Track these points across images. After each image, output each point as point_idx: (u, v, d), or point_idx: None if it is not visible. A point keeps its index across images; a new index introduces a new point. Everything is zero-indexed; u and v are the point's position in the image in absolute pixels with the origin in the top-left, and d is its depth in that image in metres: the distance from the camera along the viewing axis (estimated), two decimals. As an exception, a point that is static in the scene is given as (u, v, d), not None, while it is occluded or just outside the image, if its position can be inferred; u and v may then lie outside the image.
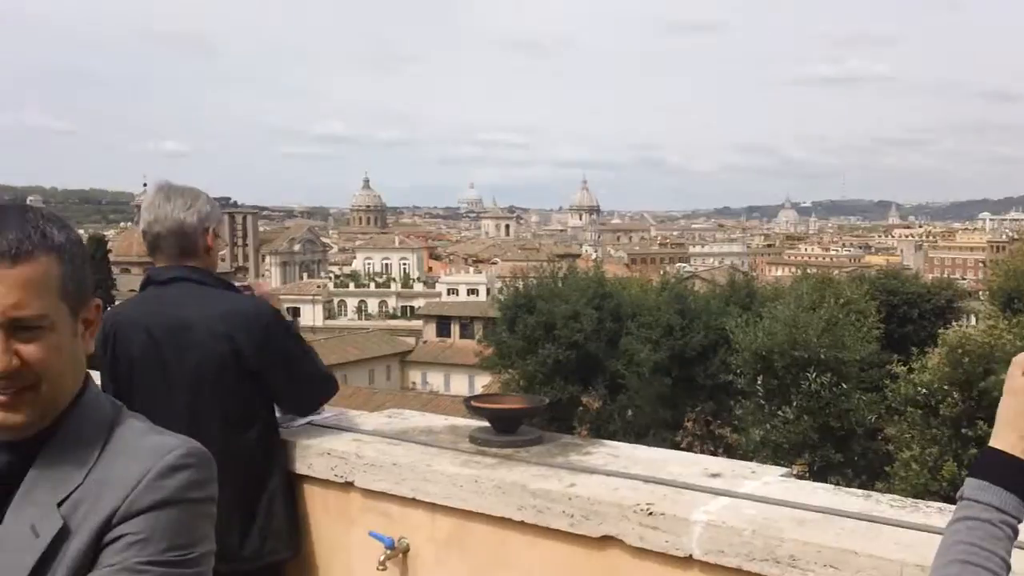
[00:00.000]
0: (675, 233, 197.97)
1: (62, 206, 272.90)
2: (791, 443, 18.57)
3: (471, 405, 2.99)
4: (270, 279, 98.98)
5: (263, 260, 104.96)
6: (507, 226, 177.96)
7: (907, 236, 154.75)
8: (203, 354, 2.72)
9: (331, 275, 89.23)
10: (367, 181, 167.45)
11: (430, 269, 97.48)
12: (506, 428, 2.85)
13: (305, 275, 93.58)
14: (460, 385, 56.37)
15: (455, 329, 64.93)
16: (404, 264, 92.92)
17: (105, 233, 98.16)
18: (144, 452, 1.33)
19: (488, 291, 79.48)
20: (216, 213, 2.93)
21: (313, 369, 2.95)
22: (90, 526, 1.26)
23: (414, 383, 59.92)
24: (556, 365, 24.21)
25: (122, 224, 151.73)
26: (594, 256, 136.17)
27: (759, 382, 19.10)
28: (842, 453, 18.94)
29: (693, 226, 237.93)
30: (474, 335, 63.45)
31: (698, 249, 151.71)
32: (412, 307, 78.22)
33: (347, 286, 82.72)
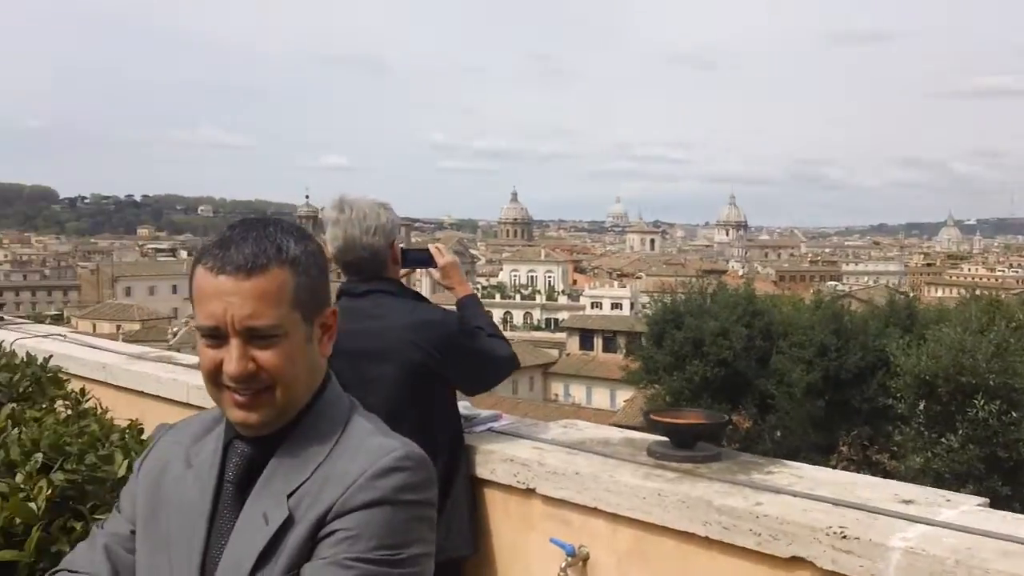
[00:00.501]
0: (827, 250, 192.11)
1: (229, 215, 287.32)
2: (954, 473, 17.70)
3: (650, 419, 3.01)
4: (420, 288, 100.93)
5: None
6: (652, 241, 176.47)
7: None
8: (397, 362, 2.84)
9: (478, 286, 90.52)
10: (515, 194, 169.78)
11: (575, 282, 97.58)
12: (685, 443, 2.86)
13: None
14: (602, 398, 56.17)
15: (598, 342, 64.77)
16: (549, 277, 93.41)
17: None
18: (365, 452, 1.42)
19: (632, 305, 78.98)
20: (397, 224, 3.06)
21: (494, 351, 3.06)
22: (310, 519, 1.36)
23: (556, 395, 60.10)
24: (704, 382, 23.87)
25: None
26: (741, 272, 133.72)
27: (920, 408, 18.28)
28: (1010, 486, 17.98)
29: (846, 243, 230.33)
30: (617, 349, 63.36)
31: (851, 267, 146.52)
32: (556, 319, 78.50)
33: (494, 297, 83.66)
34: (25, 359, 3.28)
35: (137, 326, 61.85)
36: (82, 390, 2.84)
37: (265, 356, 1.38)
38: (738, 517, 2.38)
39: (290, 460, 1.43)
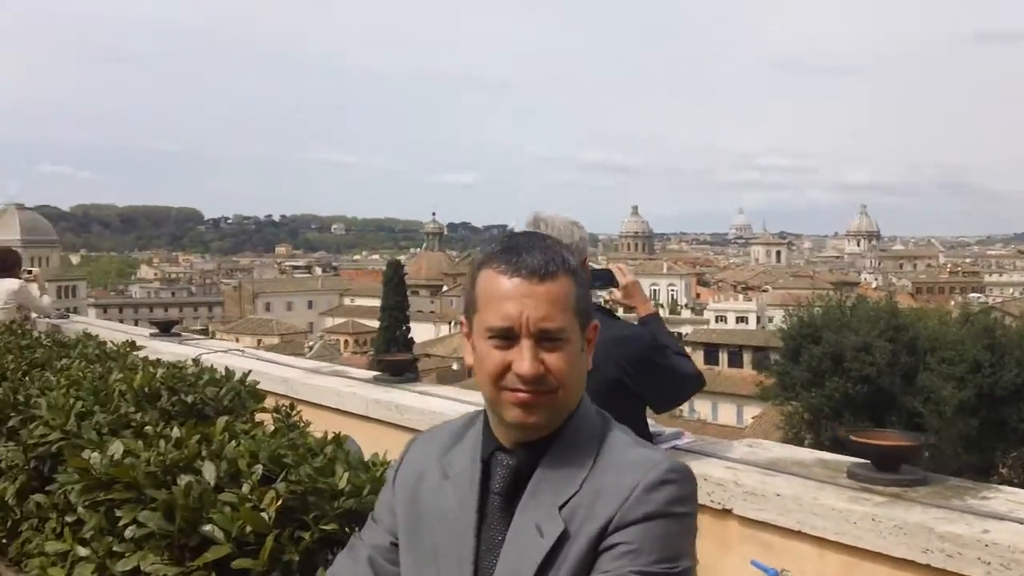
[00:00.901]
0: (967, 260, 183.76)
1: (360, 233, 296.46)
2: None
3: (851, 440, 2.92)
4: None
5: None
6: (778, 252, 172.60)
7: None
8: (595, 378, 2.84)
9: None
10: (635, 208, 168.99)
11: (698, 296, 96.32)
12: (888, 466, 2.77)
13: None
14: (728, 414, 55.11)
15: (723, 357, 63.81)
16: (672, 290, 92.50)
17: (399, 258, 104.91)
18: (632, 465, 1.43)
19: (758, 319, 77.40)
20: (587, 242, 3.07)
21: (682, 369, 3.06)
22: (588, 532, 1.37)
23: (681, 410, 59.24)
24: (844, 399, 22.93)
25: (412, 250, 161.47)
26: (874, 285, 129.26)
27: None
28: None
29: (988, 252, 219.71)
30: (743, 363, 62.16)
31: (995, 278, 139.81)
32: (680, 333, 77.47)
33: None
34: (224, 374, 3.43)
35: (276, 340, 63.97)
36: (291, 404, 2.94)
37: (552, 359, 1.41)
38: (963, 545, 2.30)
39: (556, 471, 1.45)
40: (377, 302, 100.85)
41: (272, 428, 2.82)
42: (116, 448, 2.57)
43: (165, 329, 6.52)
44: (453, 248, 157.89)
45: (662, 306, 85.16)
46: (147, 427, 2.76)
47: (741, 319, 78.86)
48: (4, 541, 3.82)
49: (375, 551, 1.61)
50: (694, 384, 3.11)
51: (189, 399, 3.12)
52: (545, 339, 1.41)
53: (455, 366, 63.50)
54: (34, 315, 7.32)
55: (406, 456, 1.68)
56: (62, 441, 2.91)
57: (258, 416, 3.19)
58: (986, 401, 21.18)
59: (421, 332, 71.76)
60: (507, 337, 1.41)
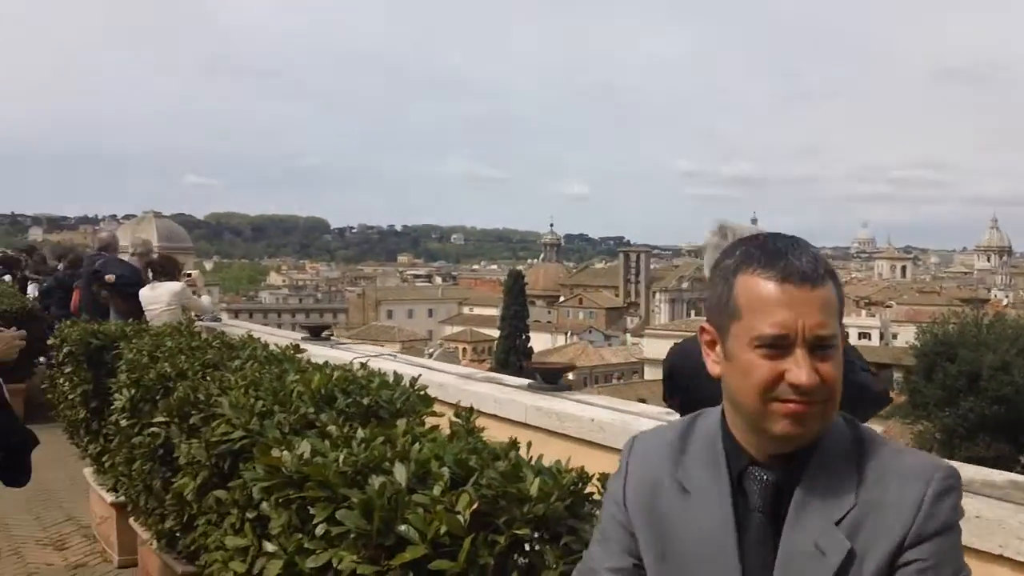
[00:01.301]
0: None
1: (479, 243, 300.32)
2: None
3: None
4: (659, 315, 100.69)
5: (653, 297, 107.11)
6: (903, 267, 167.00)
7: None
8: None
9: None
10: (755, 220, 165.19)
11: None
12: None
13: (693, 312, 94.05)
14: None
15: (846, 374, 62.09)
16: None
17: (517, 267, 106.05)
18: (911, 473, 1.35)
19: (881, 335, 74.98)
20: None
21: (870, 386, 2.91)
22: (882, 549, 1.30)
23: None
24: (980, 420, 21.88)
25: (529, 260, 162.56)
26: (1004, 301, 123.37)
27: None
28: None
29: None
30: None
31: None
32: (801, 350, 75.81)
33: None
34: (392, 378, 3.49)
35: (398, 347, 65.14)
36: (470, 408, 2.95)
37: (824, 367, 1.34)
38: None
39: (821, 484, 1.37)
40: (495, 311, 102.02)
41: (448, 432, 2.85)
42: (304, 447, 2.63)
43: (316, 333, 6.71)
44: (569, 259, 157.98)
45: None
46: (330, 427, 2.82)
47: (864, 335, 76.60)
48: (177, 535, 3.98)
49: (617, 575, 1.53)
50: (879, 403, 3.00)
51: (365, 401, 3.18)
52: (818, 347, 1.33)
53: (571, 376, 63.73)
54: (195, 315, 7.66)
55: (629, 469, 1.57)
56: (245, 439, 3.01)
57: (428, 420, 3.23)
58: None
59: (538, 342, 72.13)
60: (779, 346, 1.33)
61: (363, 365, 3.76)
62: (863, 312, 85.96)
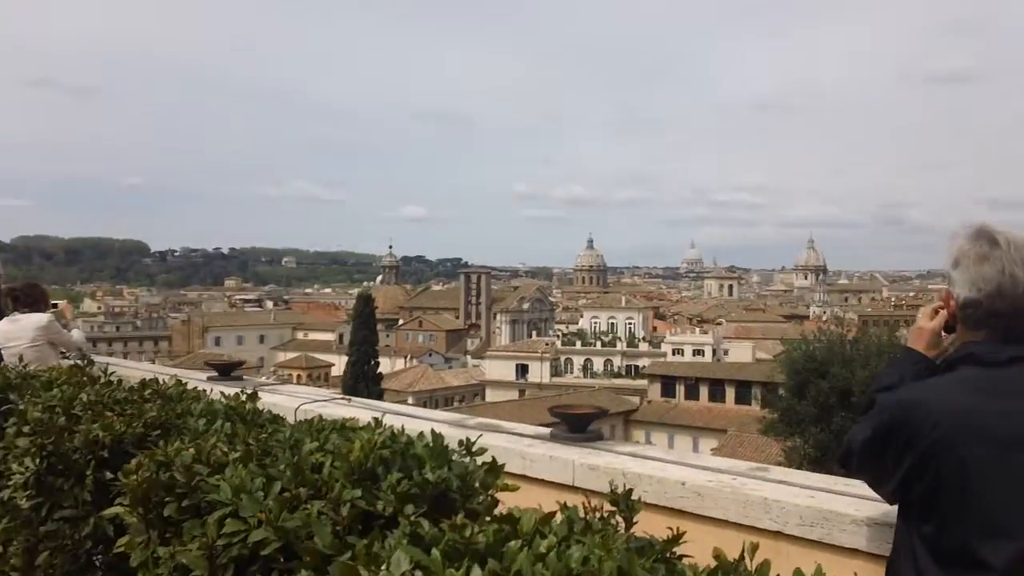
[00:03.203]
0: (910, 294, 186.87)
1: (312, 267, 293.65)
2: None
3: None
4: (500, 337, 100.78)
5: (494, 318, 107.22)
6: (730, 286, 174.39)
7: None
8: None
9: (558, 333, 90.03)
10: (591, 242, 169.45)
11: (655, 329, 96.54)
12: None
13: (534, 333, 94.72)
14: (684, 446, 55.04)
15: (680, 389, 64.25)
16: (630, 323, 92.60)
17: (351, 291, 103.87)
18: None
19: (714, 352, 77.68)
20: None
21: (850, 434, 2.32)
22: None
23: (638, 442, 58.98)
24: None
25: (366, 283, 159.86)
26: (824, 317, 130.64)
27: None
28: None
29: (929, 287, 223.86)
30: (699, 396, 62.19)
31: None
32: (637, 366, 77.91)
33: (574, 344, 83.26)
34: (431, 441, 2.59)
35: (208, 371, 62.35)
36: (628, 491, 2.12)
37: None
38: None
39: None
40: (330, 336, 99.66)
41: (560, 520, 2.04)
42: (398, 562, 1.76)
43: (225, 372, 5.62)
44: (407, 281, 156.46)
45: (620, 339, 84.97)
46: (420, 523, 1.95)
47: (698, 352, 79.12)
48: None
49: None
50: (843, 464, 2.38)
51: (429, 477, 2.28)
52: None
53: (410, 400, 62.49)
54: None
55: None
56: (276, 542, 2.08)
57: (504, 498, 2.40)
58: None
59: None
60: None
61: (376, 421, 2.84)
62: (696, 330, 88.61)
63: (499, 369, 79.23)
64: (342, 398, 4.53)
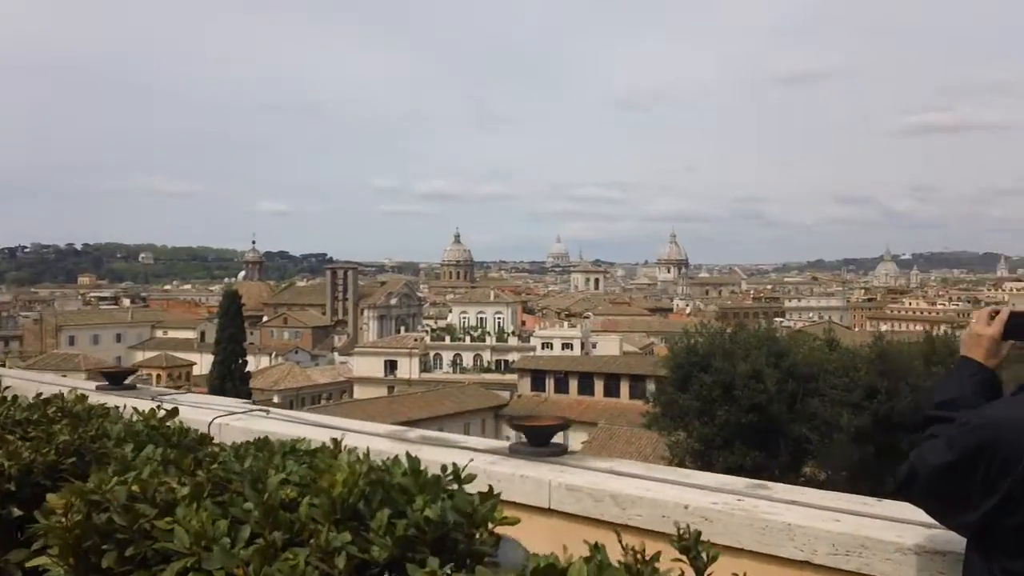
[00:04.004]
0: (768, 287, 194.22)
1: (170, 262, 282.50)
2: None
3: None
4: (367, 333, 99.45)
5: (362, 314, 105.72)
6: (596, 280, 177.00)
7: (1019, 290, 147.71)
8: None
9: (427, 329, 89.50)
10: (457, 236, 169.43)
11: (523, 323, 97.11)
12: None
13: (402, 329, 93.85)
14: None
15: (550, 383, 64.70)
16: (499, 318, 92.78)
17: (212, 288, 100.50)
18: None
19: (583, 345, 78.68)
20: None
21: (917, 457, 2.07)
22: None
23: (508, 437, 59.30)
24: (736, 428, 22.60)
25: (226, 279, 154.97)
26: (688, 310, 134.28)
27: None
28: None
29: (785, 280, 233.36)
30: (568, 389, 62.81)
31: (794, 303, 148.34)
32: (507, 361, 78.21)
33: (443, 339, 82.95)
34: (409, 465, 2.25)
35: (83, 376, 59.29)
36: (697, 534, 1.81)
37: None
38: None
39: None
40: (192, 334, 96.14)
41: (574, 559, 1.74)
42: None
43: (117, 380, 5.05)
44: (271, 277, 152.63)
45: (489, 334, 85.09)
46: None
47: (567, 345, 79.88)
48: None
49: None
50: (903, 490, 2.10)
51: (428, 514, 1.94)
52: None
53: (276, 399, 60.88)
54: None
55: None
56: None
57: (505, 531, 2.09)
58: (881, 427, 21.40)
59: (241, 364, 68.44)
60: None
61: (335, 442, 2.48)
62: (564, 324, 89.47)
63: (367, 366, 78.13)
64: (260, 409, 4.08)
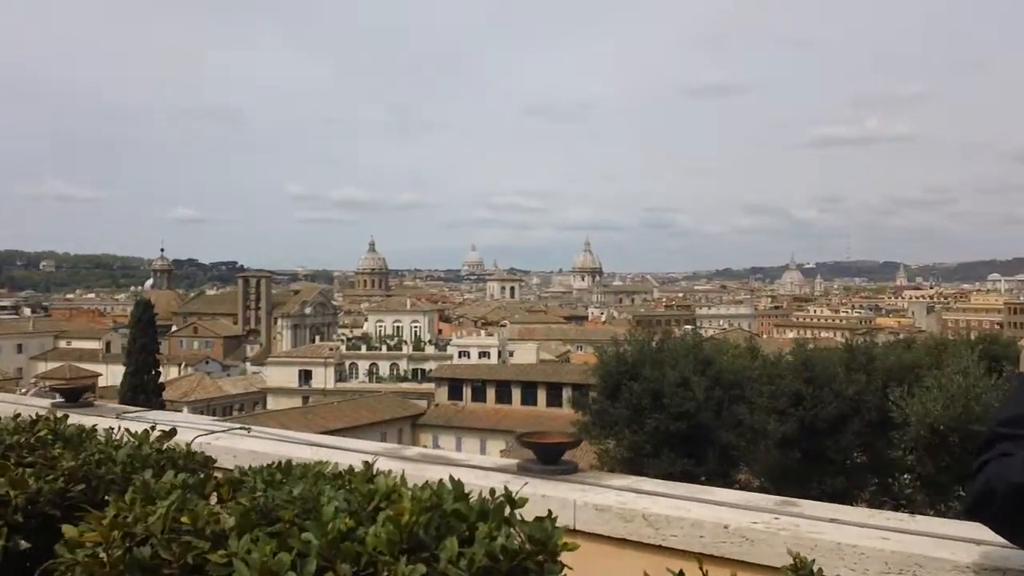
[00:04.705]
0: (679, 295, 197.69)
1: (73, 270, 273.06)
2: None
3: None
4: (282, 342, 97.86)
5: (275, 323, 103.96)
6: (512, 288, 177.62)
7: (917, 298, 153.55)
8: None
9: (343, 338, 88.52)
10: (372, 245, 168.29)
11: (440, 332, 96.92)
12: None
13: (317, 338, 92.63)
14: (472, 448, 55.36)
15: (467, 392, 64.73)
16: (415, 326, 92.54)
17: (117, 296, 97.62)
18: None
19: (499, 354, 78.82)
20: None
21: (991, 475, 1.96)
22: None
23: (425, 446, 59.01)
24: (665, 436, 22.81)
25: (133, 288, 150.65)
26: (603, 318, 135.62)
27: (919, 459, 17.85)
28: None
29: (696, 288, 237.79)
30: (486, 398, 62.83)
31: (705, 311, 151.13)
32: (424, 370, 77.91)
33: (359, 348, 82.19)
34: (451, 485, 2.15)
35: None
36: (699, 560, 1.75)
37: None
38: None
39: None
40: (96, 344, 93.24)
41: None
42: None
43: (73, 397, 4.79)
44: (180, 286, 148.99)
45: (406, 342, 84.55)
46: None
47: (484, 354, 79.92)
48: None
49: None
50: (977, 510, 2.01)
51: (493, 545, 1.84)
52: None
53: (186, 410, 59.40)
54: None
55: None
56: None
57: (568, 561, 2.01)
58: (807, 433, 21.84)
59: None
60: None
61: (356, 471, 2.37)
62: (481, 332, 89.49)
63: (281, 376, 76.98)
64: (241, 427, 3.91)
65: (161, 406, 48.14)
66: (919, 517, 2.63)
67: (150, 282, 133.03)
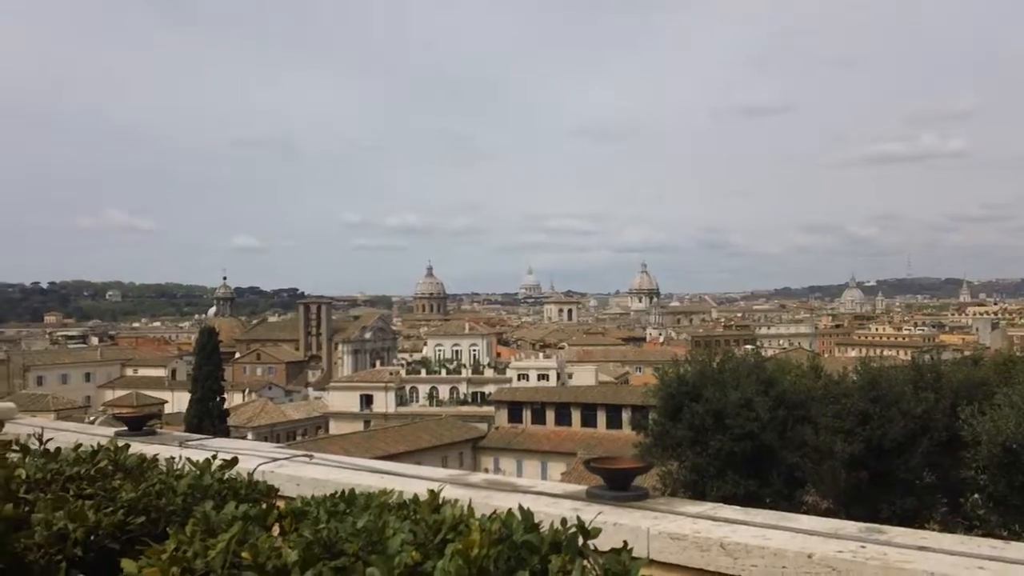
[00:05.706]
0: (738, 315, 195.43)
1: (139, 300, 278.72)
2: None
3: None
4: (342, 367, 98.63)
5: (336, 348, 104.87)
6: (569, 311, 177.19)
7: (982, 314, 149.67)
8: None
9: (403, 362, 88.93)
10: (430, 269, 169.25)
11: (499, 355, 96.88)
12: None
13: (377, 362, 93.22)
14: (533, 471, 55.07)
15: (527, 415, 64.35)
16: (474, 350, 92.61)
17: (181, 324, 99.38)
18: None
19: (559, 376, 78.51)
20: None
21: None
22: None
23: (487, 469, 58.94)
24: (729, 457, 22.50)
25: (197, 316, 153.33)
26: (661, 339, 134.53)
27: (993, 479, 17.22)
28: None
29: (754, 307, 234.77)
30: (545, 420, 62.46)
31: (764, 330, 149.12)
32: (483, 393, 77.84)
33: (419, 373, 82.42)
34: (525, 518, 2.05)
35: (52, 416, 58.18)
36: None
37: None
38: None
39: None
40: (162, 372, 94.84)
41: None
42: None
43: (137, 425, 4.80)
44: (242, 313, 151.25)
45: (465, 366, 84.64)
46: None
47: (543, 376, 79.69)
48: None
49: None
50: None
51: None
52: None
53: (250, 436, 59.98)
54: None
55: None
56: None
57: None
58: (874, 454, 21.31)
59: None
60: None
61: (421, 500, 2.29)
62: (540, 354, 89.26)
63: (342, 400, 77.46)
64: (303, 455, 3.86)
65: (226, 432, 48.76)
66: (1012, 543, 2.47)
67: (213, 310, 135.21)
